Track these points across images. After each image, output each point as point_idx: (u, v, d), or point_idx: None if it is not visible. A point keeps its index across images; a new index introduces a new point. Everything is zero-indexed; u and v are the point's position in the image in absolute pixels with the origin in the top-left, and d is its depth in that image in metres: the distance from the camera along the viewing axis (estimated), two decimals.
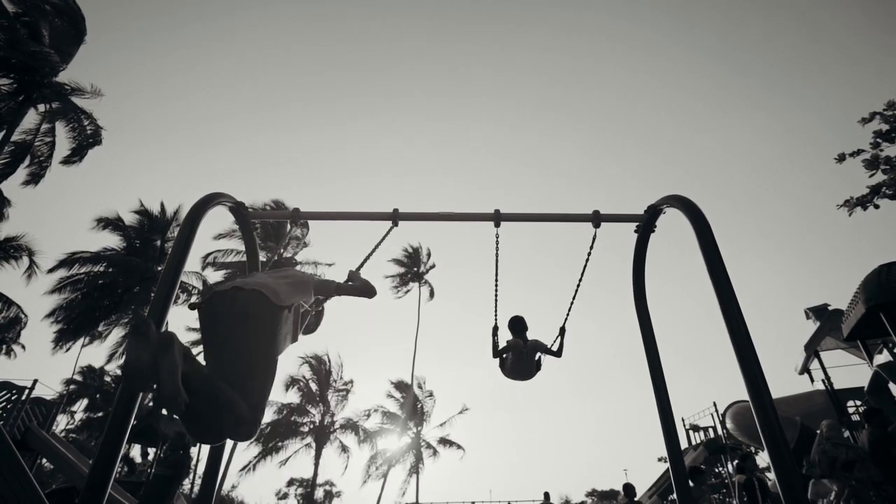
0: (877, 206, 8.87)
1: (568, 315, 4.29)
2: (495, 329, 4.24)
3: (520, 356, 4.26)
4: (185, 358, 1.69)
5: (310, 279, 2.49)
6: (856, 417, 11.49)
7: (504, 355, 4.34)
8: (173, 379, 1.56)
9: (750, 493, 6.50)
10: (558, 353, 4.33)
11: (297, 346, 2.37)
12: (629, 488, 8.69)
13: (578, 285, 4.07)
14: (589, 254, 3.81)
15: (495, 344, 4.27)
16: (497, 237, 3.77)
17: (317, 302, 2.76)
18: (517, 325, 4.37)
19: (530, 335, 4.39)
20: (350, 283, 2.84)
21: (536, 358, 4.35)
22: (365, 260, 3.49)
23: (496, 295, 4.06)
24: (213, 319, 2.02)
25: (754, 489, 6.44)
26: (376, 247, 3.62)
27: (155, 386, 1.57)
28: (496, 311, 4.14)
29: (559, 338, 4.33)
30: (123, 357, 1.75)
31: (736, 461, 7.04)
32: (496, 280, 3.99)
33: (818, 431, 5.51)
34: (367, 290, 2.82)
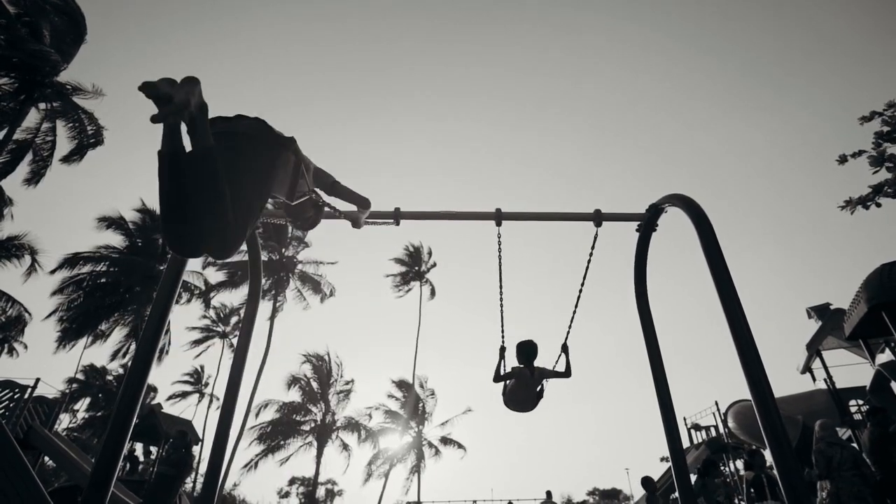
0: (879, 205, 8.84)
1: (570, 328, 4.03)
2: (502, 351, 3.89)
3: (524, 385, 3.90)
4: (201, 109, 1.67)
5: (311, 162, 2.44)
6: (858, 417, 11.48)
7: (506, 381, 3.99)
8: (187, 97, 1.57)
9: (758, 490, 6.43)
10: (567, 373, 4.01)
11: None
12: (649, 482, 8.11)
13: (580, 294, 3.86)
14: (591, 254, 3.71)
15: (500, 368, 3.89)
16: (499, 237, 3.69)
17: (315, 206, 2.57)
18: (527, 351, 3.94)
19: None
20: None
21: (539, 388, 4.03)
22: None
23: (501, 306, 3.82)
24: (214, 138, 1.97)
25: (763, 486, 6.36)
26: (374, 223, 3.56)
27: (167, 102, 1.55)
28: (503, 327, 3.84)
29: (562, 356, 4.05)
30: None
31: (744, 458, 6.94)
32: (500, 290, 3.79)
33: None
34: (364, 199, 2.66)
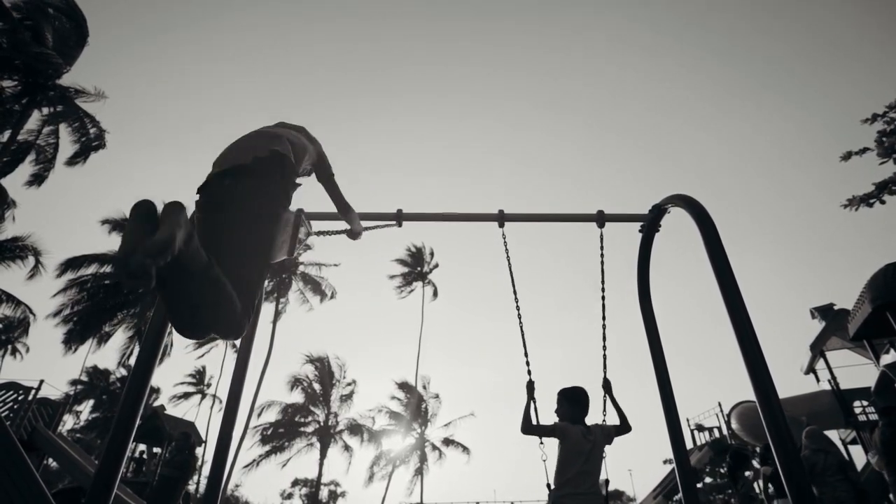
0: (883, 202, 8.80)
1: (605, 352, 3.11)
2: (531, 388, 2.86)
3: (580, 454, 2.62)
4: (189, 237, 1.46)
5: (320, 146, 2.46)
6: (862, 418, 11.43)
7: (541, 438, 2.75)
8: (171, 235, 1.33)
9: (778, 485, 6.32)
10: (626, 425, 2.87)
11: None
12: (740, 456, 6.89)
13: (604, 303, 3.34)
14: (602, 256, 3.53)
15: (531, 412, 2.79)
16: (504, 238, 3.51)
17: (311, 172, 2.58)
18: (582, 402, 2.83)
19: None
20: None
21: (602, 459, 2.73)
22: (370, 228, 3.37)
23: (521, 326, 3.13)
24: (210, 208, 1.91)
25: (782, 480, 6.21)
26: (376, 227, 3.56)
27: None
28: (526, 353, 3.00)
29: (608, 398, 2.95)
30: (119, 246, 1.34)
31: (759, 451, 6.79)
32: (517, 304, 3.24)
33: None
34: (347, 207, 2.72)
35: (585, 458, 2.62)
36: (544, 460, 2.73)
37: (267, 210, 1.92)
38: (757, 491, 6.75)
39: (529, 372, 2.95)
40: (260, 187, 1.90)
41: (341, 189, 2.70)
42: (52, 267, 19.21)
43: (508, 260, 3.48)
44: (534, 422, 2.80)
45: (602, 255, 3.56)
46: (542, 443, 2.75)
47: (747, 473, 6.81)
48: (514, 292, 3.28)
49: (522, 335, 3.11)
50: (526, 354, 3.03)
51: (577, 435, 2.68)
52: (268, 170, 1.94)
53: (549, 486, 2.68)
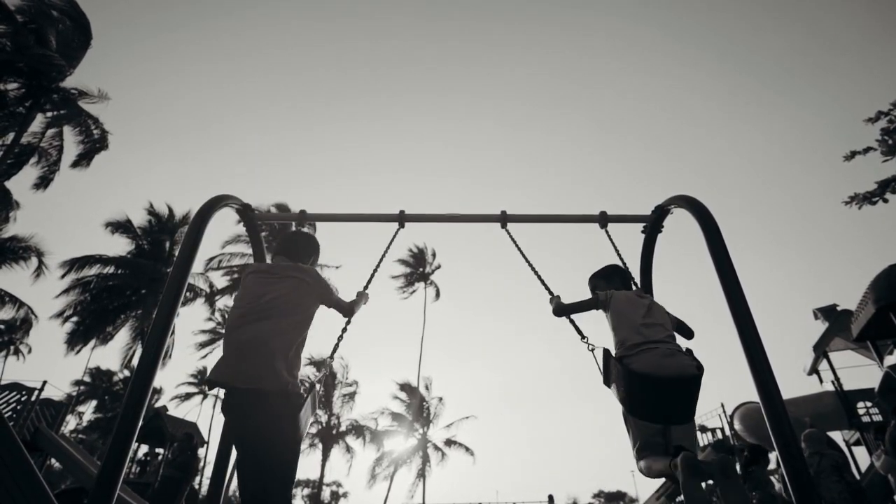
0: (886, 201, 8.79)
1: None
2: (558, 298, 2.78)
3: (638, 305, 2.33)
4: None
5: (321, 290, 2.57)
6: (866, 419, 11.38)
7: (583, 335, 2.54)
8: None
9: None
10: (689, 327, 2.64)
11: (303, 347, 2.44)
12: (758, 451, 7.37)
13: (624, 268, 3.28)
14: (618, 253, 3.52)
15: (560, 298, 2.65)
16: (510, 235, 3.53)
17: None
18: (617, 273, 2.74)
19: None
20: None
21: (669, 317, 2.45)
22: (374, 272, 3.29)
23: (536, 273, 3.17)
24: (229, 418, 2.19)
25: None
26: (384, 255, 3.48)
27: None
28: (546, 285, 3.03)
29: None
30: None
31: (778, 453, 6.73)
32: (530, 264, 3.30)
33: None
34: (348, 311, 2.89)
35: (647, 311, 2.27)
36: (592, 349, 2.42)
37: (287, 419, 2.13)
38: (779, 490, 6.70)
39: (550, 292, 2.88)
40: (272, 410, 2.11)
41: (349, 298, 2.87)
42: (54, 267, 19.30)
43: (519, 249, 3.45)
44: (575, 302, 2.51)
45: (619, 254, 3.54)
46: (584, 337, 2.52)
47: (770, 467, 6.74)
48: (528, 262, 3.27)
49: (538, 275, 3.09)
50: (543, 283, 3.01)
51: (630, 293, 2.40)
52: (274, 400, 2.11)
53: (606, 353, 2.25)
